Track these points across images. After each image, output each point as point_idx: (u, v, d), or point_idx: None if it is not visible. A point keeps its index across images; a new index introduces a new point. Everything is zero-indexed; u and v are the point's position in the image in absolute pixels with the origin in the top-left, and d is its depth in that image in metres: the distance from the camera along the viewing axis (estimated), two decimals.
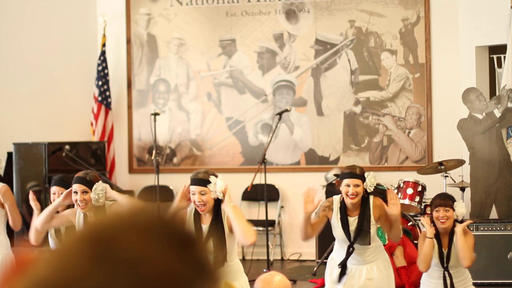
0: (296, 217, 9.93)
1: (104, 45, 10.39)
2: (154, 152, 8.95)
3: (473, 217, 8.42)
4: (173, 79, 10.46)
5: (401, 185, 8.03)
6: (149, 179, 9.83)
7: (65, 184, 5.88)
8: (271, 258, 9.50)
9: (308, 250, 9.57)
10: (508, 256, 7.95)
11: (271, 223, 9.72)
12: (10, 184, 7.35)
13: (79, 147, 9.57)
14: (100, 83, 10.34)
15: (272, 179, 9.70)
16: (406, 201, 7.94)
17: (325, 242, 8.67)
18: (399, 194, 7.96)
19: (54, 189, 5.98)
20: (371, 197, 5.58)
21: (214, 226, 5.04)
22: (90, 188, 5.43)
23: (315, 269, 8.74)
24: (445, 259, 5.62)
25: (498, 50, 9.22)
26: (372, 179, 5.51)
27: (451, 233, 5.66)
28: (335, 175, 9.01)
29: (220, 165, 10.12)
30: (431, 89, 9.64)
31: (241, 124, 10.24)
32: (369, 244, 5.55)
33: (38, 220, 5.57)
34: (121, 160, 10.54)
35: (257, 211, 9.09)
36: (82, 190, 5.44)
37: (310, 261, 9.48)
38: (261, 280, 3.62)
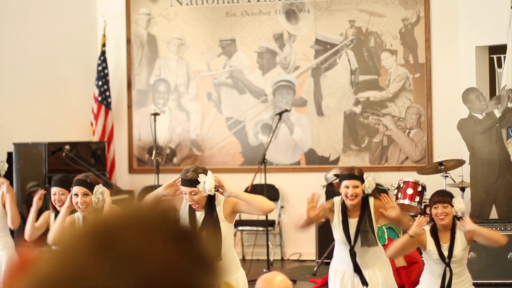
0: (296, 217, 9.92)
1: (104, 45, 10.40)
2: (154, 152, 8.95)
3: (473, 217, 8.41)
4: (173, 79, 10.46)
5: (401, 185, 8.03)
6: (149, 179, 9.82)
7: (65, 184, 5.88)
8: (271, 258, 9.51)
9: (308, 250, 9.58)
10: (508, 256, 7.95)
11: (271, 223, 9.72)
12: (10, 184, 7.34)
13: (79, 147, 9.56)
14: (100, 83, 10.34)
15: (272, 179, 9.70)
16: (406, 201, 7.94)
17: (325, 242, 8.68)
18: (399, 194, 7.96)
19: (54, 189, 5.99)
20: (371, 199, 5.59)
21: (208, 218, 5.03)
22: (91, 190, 5.43)
23: (315, 269, 8.75)
24: (446, 254, 5.58)
25: (498, 50, 9.22)
26: (371, 181, 5.51)
27: (453, 229, 5.64)
28: (335, 175, 9.01)
29: (220, 165, 10.12)
30: (431, 89, 9.65)
31: (241, 124, 10.24)
32: (376, 244, 5.56)
33: (52, 235, 5.53)
34: (121, 160, 10.54)
35: None
36: (83, 193, 5.44)
37: (310, 261, 9.48)
38: (263, 280, 3.63)
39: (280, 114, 8.77)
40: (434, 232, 5.63)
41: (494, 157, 8.47)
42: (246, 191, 9.62)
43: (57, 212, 5.87)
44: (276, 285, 3.59)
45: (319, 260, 8.89)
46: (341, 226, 5.57)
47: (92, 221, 1.02)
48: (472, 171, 8.53)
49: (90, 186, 5.44)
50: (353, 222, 5.56)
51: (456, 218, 5.66)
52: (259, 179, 8.56)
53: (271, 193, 9.71)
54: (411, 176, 8.29)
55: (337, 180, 5.76)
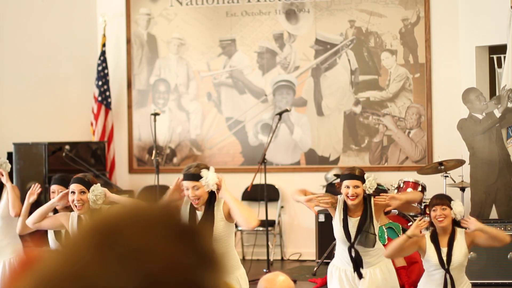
0: (296, 217, 9.94)
1: (104, 45, 10.40)
2: (154, 152, 8.95)
3: (473, 217, 8.41)
4: (173, 79, 10.46)
5: (401, 185, 8.04)
6: (149, 179, 9.83)
7: (65, 183, 5.89)
8: (271, 258, 9.51)
9: (308, 250, 9.58)
10: (508, 256, 7.95)
11: (271, 223, 9.72)
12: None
13: (79, 147, 9.57)
14: (100, 83, 10.34)
15: (272, 179, 9.70)
16: None
17: (325, 242, 8.68)
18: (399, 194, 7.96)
19: (54, 187, 5.99)
20: (372, 199, 5.61)
21: (206, 217, 5.04)
22: (88, 188, 5.43)
23: (315, 269, 8.75)
24: (445, 260, 5.57)
25: (498, 50, 9.23)
26: (372, 181, 5.54)
27: (452, 233, 5.63)
28: (335, 175, 9.01)
29: (220, 165, 10.11)
30: (431, 89, 9.65)
31: (241, 124, 10.24)
32: (373, 246, 5.57)
33: (31, 218, 5.58)
34: (121, 160, 10.54)
35: (257, 211, 9.08)
36: (80, 190, 5.44)
37: (310, 261, 9.48)
38: (265, 280, 3.63)
39: (280, 114, 8.77)
40: (434, 237, 5.61)
41: (494, 157, 8.47)
42: (246, 190, 9.65)
43: (55, 211, 5.86)
44: (278, 285, 3.60)
45: (319, 260, 8.89)
46: (341, 224, 5.59)
47: (96, 218, 1.02)
48: (472, 171, 8.53)
49: (87, 184, 5.45)
50: (353, 222, 5.58)
51: (455, 221, 5.63)
52: (259, 179, 8.56)
53: (271, 193, 9.72)
54: (411, 176, 8.29)
55: (338, 180, 5.78)
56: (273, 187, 9.88)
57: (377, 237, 5.64)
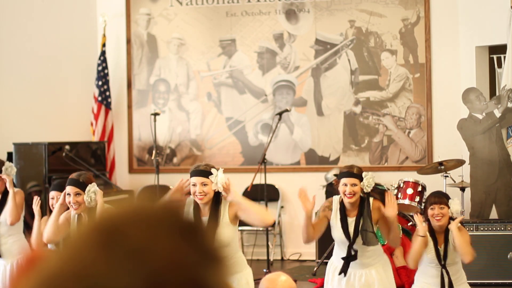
0: (296, 217, 9.94)
1: (104, 45, 10.40)
2: (154, 152, 8.95)
3: (473, 217, 8.43)
4: (173, 79, 10.47)
5: (401, 185, 8.03)
6: (149, 179, 9.83)
7: (64, 188, 5.90)
8: (271, 258, 9.51)
9: (308, 250, 9.57)
10: (508, 256, 7.95)
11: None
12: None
13: (79, 147, 9.57)
14: (100, 83, 10.34)
15: (272, 179, 9.70)
16: (406, 201, 7.94)
17: (325, 242, 8.67)
18: (399, 194, 7.96)
19: (52, 194, 6.02)
20: (371, 199, 5.60)
21: (213, 218, 5.06)
22: (83, 190, 5.44)
23: (315, 269, 8.75)
24: (442, 257, 5.61)
25: (498, 50, 9.23)
26: (370, 179, 5.53)
27: (446, 230, 5.66)
28: (335, 175, 9.00)
29: (220, 165, 10.03)
30: (431, 89, 9.65)
31: (241, 124, 10.24)
32: (375, 243, 5.56)
33: (47, 234, 5.52)
34: (121, 160, 10.54)
35: None
36: (75, 192, 5.45)
37: (310, 261, 9.49)
38: (267, 280, 3.65)
39: (280, 114, 8.77)
40: (432, 234, 5.67)
41: (494, 157, 8.47)
42: (246, 191, 9.65)
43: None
44: (280, 285, 3.61)
45: (319, 260, 8.89)
46: (339, 224, 5.58)
47: (98, 217, 1.02)
48: (472, 171, 8.53)
49: (82, 186, 5.45)
50: (351, 221, 5.58)
51: (451, 219, 5.67)
52: (259, 179, 8.56)
53: (271, 193, 9.72)
54: (411, 176, 8.29)
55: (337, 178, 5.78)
56: (273, 187, 9.88)
57: (376, 235, 5.63)
